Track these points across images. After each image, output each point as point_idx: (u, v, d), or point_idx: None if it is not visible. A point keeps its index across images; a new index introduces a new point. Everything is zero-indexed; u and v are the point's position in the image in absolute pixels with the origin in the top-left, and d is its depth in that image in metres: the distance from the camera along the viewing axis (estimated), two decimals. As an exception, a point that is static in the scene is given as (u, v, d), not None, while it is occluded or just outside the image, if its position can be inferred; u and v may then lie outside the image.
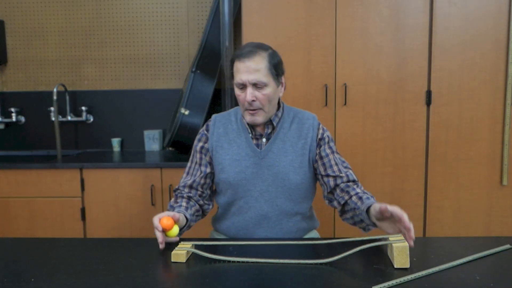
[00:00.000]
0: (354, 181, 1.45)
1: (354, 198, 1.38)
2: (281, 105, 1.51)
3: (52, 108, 2.90)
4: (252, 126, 1.48)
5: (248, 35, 2.27)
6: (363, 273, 1.07)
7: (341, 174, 1.44)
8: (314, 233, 1.59)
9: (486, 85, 2.25)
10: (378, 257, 1.15)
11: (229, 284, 1.01)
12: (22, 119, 2.98)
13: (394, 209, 1.16)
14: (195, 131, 2.44)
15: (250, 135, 1.48)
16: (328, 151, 1.47)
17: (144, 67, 2.93)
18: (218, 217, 1.58)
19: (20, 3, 2.92)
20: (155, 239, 1.24)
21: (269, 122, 1.47)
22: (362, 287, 0.98)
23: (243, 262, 1.13)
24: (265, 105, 1.40)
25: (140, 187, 2.35)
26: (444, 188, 2.32)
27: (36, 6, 2.92)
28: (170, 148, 2.61)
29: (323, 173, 1.46)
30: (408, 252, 1.07)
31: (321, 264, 1.10)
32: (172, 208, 1.45)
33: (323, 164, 1.46)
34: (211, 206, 1.57)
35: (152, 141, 2.85)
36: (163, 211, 2.33)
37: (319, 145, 1.48)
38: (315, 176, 1.51)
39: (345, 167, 1.47)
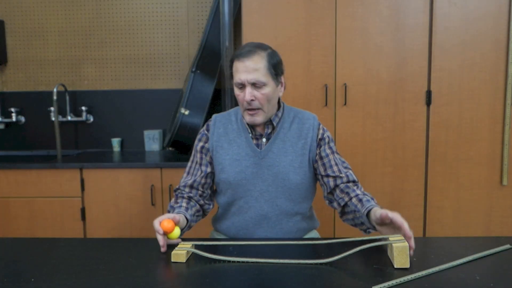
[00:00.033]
0: (354, 181, 1.45)
1: (354, 200, 1.38)
2: (282, 105, 1.51)
3: (52, 108, 2.90)
4: (252, 126, 1.48)
5: (248, 35, 2.27)
6: (363, 273, 1.07)
7: (341, 175, 1.44)
8: (314, 233, 1.59)
9: (486, 85, 2.25)
10: (378, 257, 1.15)
11: (229, 284, 1.01)
12: (22, 119, 2.98)
13: (395, 216, 1.15)
14: (195, 131, 2.44)
15: (250, 135, 1.48)
16: (328, 151, 1.47)
17: (144, 67, 2.93)
18: (218, 217, 1.58)
19: (20, 3, 2.92)
20: (155, 239, 1.24)
21: (269, 122, 1.47)
22: (362, 287, 0.98)
23: (242, 262, 1.13)
24: (264, 105, 1.40)
25: (140, 187, 2.35)
26: (444, 188, 2.32)
27: (36, 6, 2.92)
28: (170, 148, 2.61)
29: (323, 173, 1.46)
30: (408, 252, 1.07)
31: (321, 264, 1.10)
32: (172, 209, 1.45)
33: (323, 164, 1.46)
34: (211, 206, 1.57)
35: (152, 141, 2.85)
36: (163, 211, 2.34)
37: (319, 145, 1.48)
38: (315, 176, 1.51)
39: (345, 168, 1.47)
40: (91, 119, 2.96)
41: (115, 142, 2.88)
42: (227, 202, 1.51)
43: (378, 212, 1.21)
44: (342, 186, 1.43)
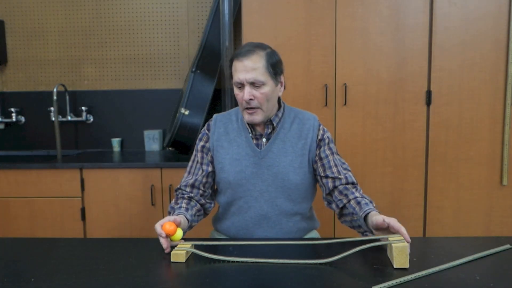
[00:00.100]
0: (353, 183, 1.44)
1: (352, 202, 1.38)
2: (282, 105, 1.51)
3: (52, 108, 2.90)
4: (253, 126, 1.48)
5: (248, 35, 2.27)
6: (363, 273, 1.07)
7: (340, 176, 1.44)
8: (314, 233, 1.59)
9: (486, 85, 2.25)
10: (378, 257, 1.15)
11: (229, 284, 1.01)
12: (22, 119, 2.98)
13: (392, 221, 1.15)
14: (195, 131, 2.44)
15: (250, 135, 1.48)
16: (327, 152, 1.47)
17: (144, 67, 2.93)
18: (219, 217, 1.58)
19: (20, 3, 2.92)
20: (155, 239, 1.24)
21: (269, 122, 1.47)
22: (362, 287, 0.98)
23: (242, 262, 1.13)
24: (263, 104, 1.40)
25: (140, 187, 2.35)
26: (444, 188, 2.32)
27: (36, 6, 2.92)
28: (170, 148, 2.61)
29: (322, 174, 1.46)
30: (407, 252, 1.06)
31: (320, 264, 1.10)
32: (172, 210, 1.45)
33: (322, 165, 1.46)
34: (212, 205, 1.57)
35: (152, 141, 2.85)
36: (163, 211, 2.34)
37: (319, 146, 1.48)
38: (315, 177, 1.51)
39: (345, 169, 1.47)
40: (91, 119, 2.96)
41: (115, 142, 2.88)
42: (227, 202, 1.51)
43: (375, 218, 1.21)
44: (341, 187, 1.43)
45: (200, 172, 1.51)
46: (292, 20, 2.26)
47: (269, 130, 1.48)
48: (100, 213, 2.37)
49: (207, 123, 1.56)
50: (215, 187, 1.59)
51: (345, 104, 2.29)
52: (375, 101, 2.29)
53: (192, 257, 1.18)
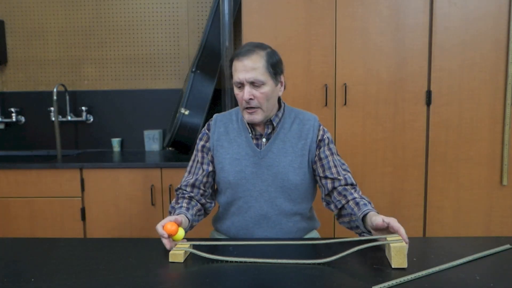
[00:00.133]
0: (352, 184, 1.44)
1: (351, 203, 1.38)
2: (282, 105, 1.51)
3: (52, 108, 2.90)
4: (253, 126, 1.48)
5: (248, 35, 2.27)
6: (363, 273, 1.07)
7: (339, 177, 1.44)
8: (314, 233, 1.59)
9: (486, 85, 2.25)
10: (377, 257, 1.15)
11: (229, 284, 1.01)
12: (22, 119, 2.98)
13: (392, 221, 1.15)
14: (195, 131, 2.44)
15: (250, 134, 1.48)
16: (327, 152, 1.47)
17: (144, 67, 2.93)
18: (219, 217, 1.58)
19: (20, 3, 2.92)
20: (155, 239, 1.24)
21: (269, 122, 1.47)
22: (362, 287, 0.98)
23: (241, 262, 1.13)
24: (263, 104, 1.40)
25: (140, 187, 2.35)
26: (444, 188, 2.32)
27: (36, 6, 2.92)
28: (170, 148, 2.61)
29: (321, 174, 1.46)
30: (405, 252, 1.06)
31: (319, 264, 1.10)
32: (173, 209, 1.45)
33: (322, 166, 1.46)
34: (213, 205, 1.57)
35: (152, 141, 2.85)
36: (163, 211, 2.34)
37: (318, 146, 1.48)
38: (315, 177, 1.51)
39: (344, 170, 1.47)
40: (91, 119, 2.96)
41: (115, 142, 2.88)
42: (227, 202, 1.51)
43: (374, 218, 1.21)
44: (340, 188, 1.43)
45: (200, 171, 1.52)
46: (292, 20, 2.26)
47: (269, 130, 1.48)
48: (100, 213, 2.37)
49: (207, 122, 1.57)
50: (215, 187, 1.59)
51: (345, 104, 2.29)
52: (375, 101, 2.29)
53: (190, 257, 1.18)
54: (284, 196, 1.46)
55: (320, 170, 1.46)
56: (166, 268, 1.12)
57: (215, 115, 1.57)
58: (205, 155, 1.52)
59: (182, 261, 1.14)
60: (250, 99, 1.39)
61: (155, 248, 1.24)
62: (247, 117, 1.43)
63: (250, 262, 1.13)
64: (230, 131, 1.51)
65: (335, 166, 1.46)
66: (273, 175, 1.45)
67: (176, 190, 1.54)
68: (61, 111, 2.92)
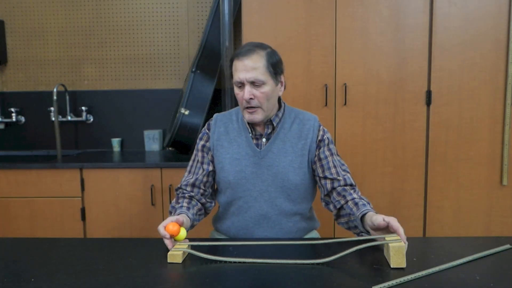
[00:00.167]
0: (351, 185, 1.44)
1: (350, 203, 1.38)
2: (282, 105, 1.51)
3: (52, 108, 2.90)
4: (253, 126, 1.48)
5: (248, 35, 2.27)
6: (363, 273, 1.07)
7: (338, 177, 1.44)
8: (314, 233, 1.59)
9: (486, 85, 2.25)
10: (377, 257, 1.15)
11: (229, 284, 1.01)
12: (22, 119, 2.98)
13: (392, 220, 1.15)
14: (195, 131, 2.45)
15: (250, 134, 1.48)
16: (327, 153, 1.47)
17: (144, 67, 2.93)
18: (219, 217, 1.58)
19: (20, 3, 2.92)
20: (155, 239, 1.24)
21: (269, 122, 1.47)
22: (362, 287, 0.98)
23: (239, 262, 1.13)
24: (263, 103, 1.40)
25: (140, 187, 2.35)
26: (444, 188, 2.32)
27: (36, 6, 2.92)
28: (170, 148, 2.61)
29: (321, 175, 1.46)
30: (404, 252, 1.06)
31: (318, 264, 1.10)
32: (173, 209, 1.45)
33: (321, 166, 1.46)
34: (213, 204, 1.57)
35: (152, 141, 2.85)
36: (163, 211, 2.34)
37: (318, 147, 1.48)
38: (314, 177, 1.51)
39: (344, 170, 1.47)
40: (91, 119, 2.96)
41: (115, 142, 2.88)
42: (227, 202, 1.51)
43: (374, 218, 1.21)
44: (339, 189, 1.43)
45: (200, 171, 1.52)
46: (292, 20, 2.26)
47: (269, 130, 1.48)
48: (100, 213, 2.37)
49: (207, 122, 1.57)
50: (215, 186, 1.59)
51: (345, 104, 2.29)
52: (375, 101, 2.29)
53: (189, 258, 1.18)
54: (284, 196, 1.46)
55: (319, 171, 1.46)
56: (166, 268, 1.12)
57: (215, 115, 1.57)
58: (205, 155, 1.52)
59: (181, 261, 1.14)
60: (251, 98, 1.39)
61: (155, 248, 1.24)
62: (247, 116, 1.43)
63: (249, 262, 1.12)
64: (230, 131, 1.51)
65: (335, 167, 1.46)
66: (273, 175, 1.45)
67: (176, 190, 1.54)
68: (61, 111, 2.92)
